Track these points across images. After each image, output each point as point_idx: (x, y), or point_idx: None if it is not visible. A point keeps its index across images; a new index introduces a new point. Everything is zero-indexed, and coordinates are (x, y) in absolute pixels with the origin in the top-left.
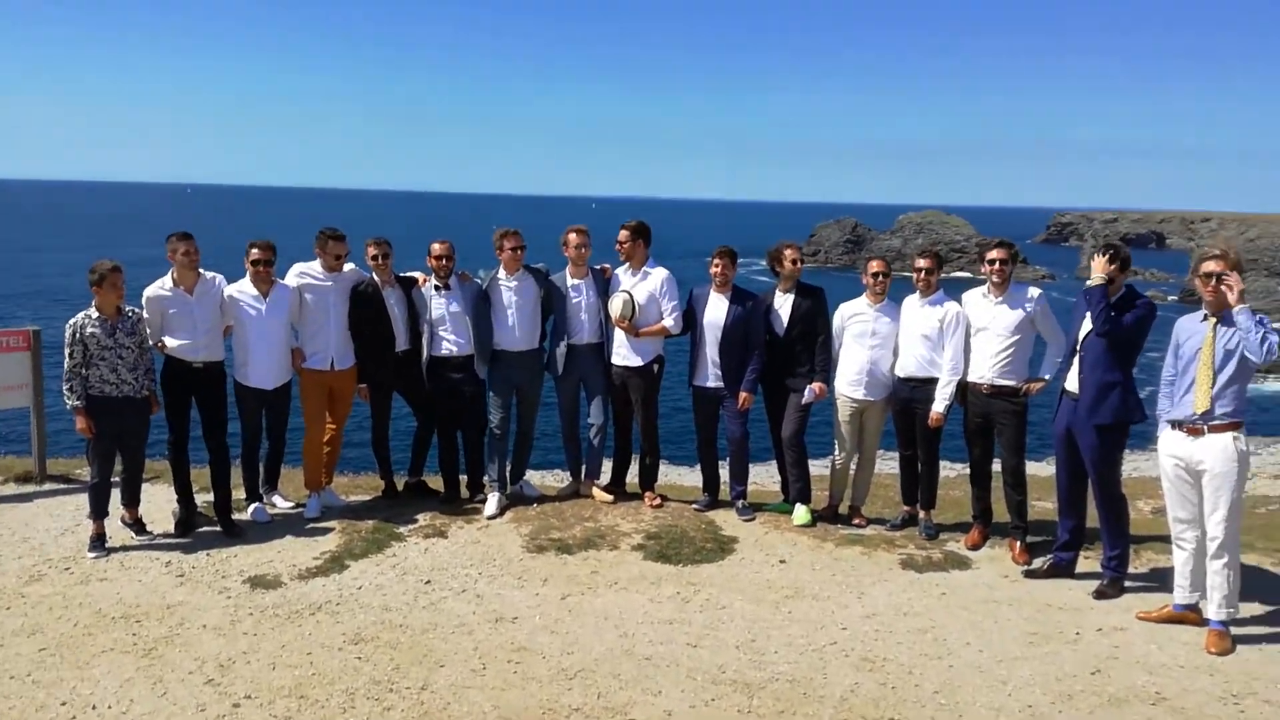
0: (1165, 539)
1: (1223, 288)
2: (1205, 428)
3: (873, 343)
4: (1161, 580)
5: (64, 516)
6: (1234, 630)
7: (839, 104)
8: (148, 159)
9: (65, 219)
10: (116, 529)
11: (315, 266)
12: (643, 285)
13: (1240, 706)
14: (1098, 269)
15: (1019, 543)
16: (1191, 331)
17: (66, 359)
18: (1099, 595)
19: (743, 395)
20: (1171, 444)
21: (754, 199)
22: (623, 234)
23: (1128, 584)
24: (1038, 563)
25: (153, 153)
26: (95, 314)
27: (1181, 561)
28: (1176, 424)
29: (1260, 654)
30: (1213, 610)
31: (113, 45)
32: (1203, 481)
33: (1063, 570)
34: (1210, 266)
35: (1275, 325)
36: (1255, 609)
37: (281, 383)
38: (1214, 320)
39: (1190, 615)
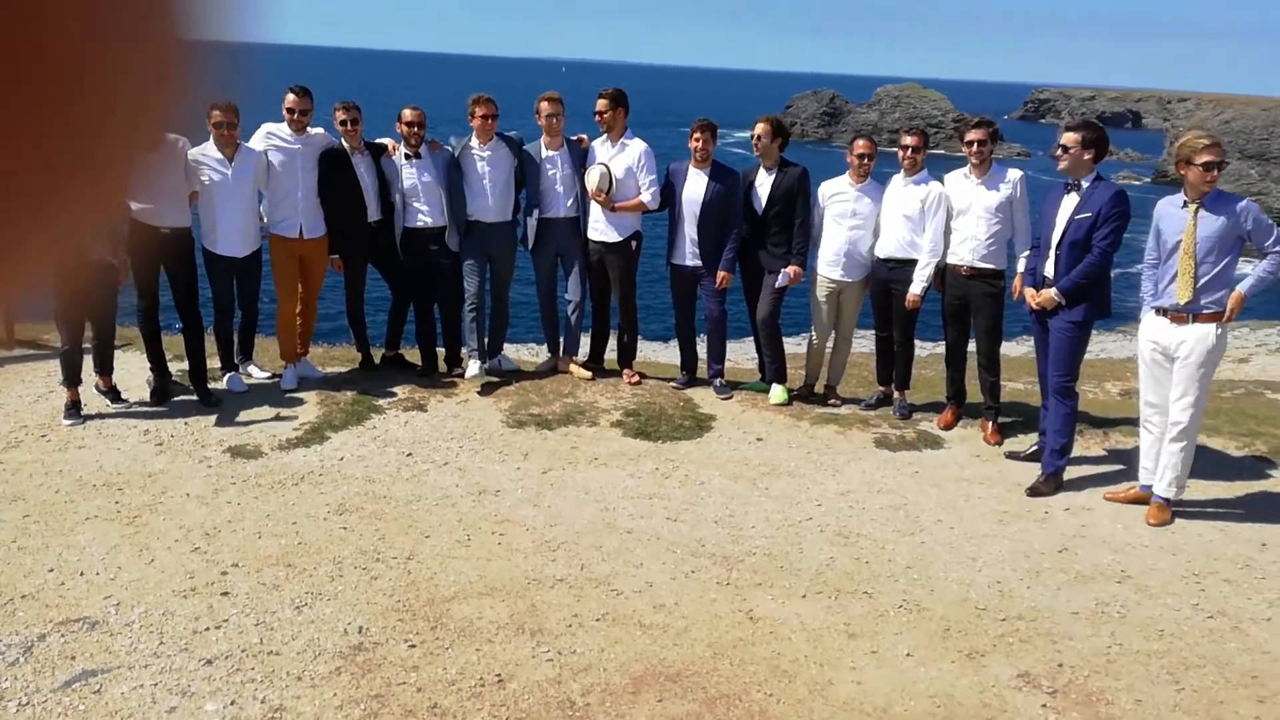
0: (1132, 421)
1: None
2: (1190, 316)
3: (853, 223)
4: (1127, 461)
5: (35, 383)
6: (1200, 513)
7: None
8: None
9: None
10: (90, 396)
11: (283, 128)
12: (620, 158)
13: (1201, 585)
14: (1034, 300)
15: (991, 423)
16: (1172, 218)
17: None
18: (1033, 492)
19: (720, 275)
20: (1153, 329)
21: (729, 66)
22: (601, 103)
23: (1089, 463)
24: (1023, 447)
25: None
26: None
27: (1148, 444)
28: (1161, 310)
29: (1222, 534)
30: (1161, 486)
31: None
32: (1175, 365)
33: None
34: (1208, 157)
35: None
36: (1219, 491)
37: (251, 250)
38: (1194, 207)
39: (1131, 493)
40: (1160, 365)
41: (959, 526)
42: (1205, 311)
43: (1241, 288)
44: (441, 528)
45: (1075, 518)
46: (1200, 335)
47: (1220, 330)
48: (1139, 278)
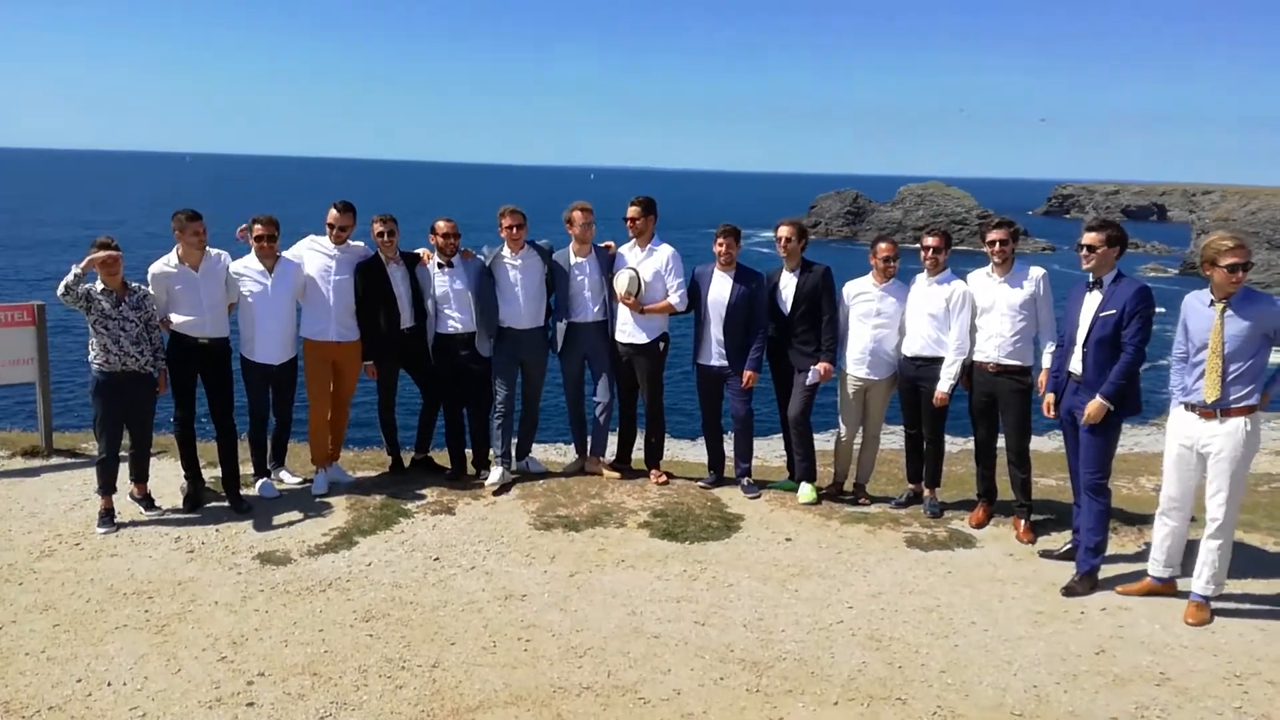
0: None
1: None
2: (1219, 412)
3: (877, 322)
4: None
5: (72, 491)
6: (1239, 610)
7: (841, 75)
8: (145, 128)
9: (65, 189)
10: (125, 504)
11: (325, 240)
12: (648, 262)
13: (1244, 687)
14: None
15: (1023, 521)
16: (1200, 315)
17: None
18: (1068, 592)
19: (747, 374)
20: (1182, 424)
21: (754, 170)
22: (633, 210)
23: (1125, 560)
24: (1056, 545)
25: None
26: (101, 286)
27: (1162, 536)
28: (1189, 406)
29: (1263, 634)
30: (1199, 585)
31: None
32: (1209, 462)
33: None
34: (1233, 259)
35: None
36: (1258, 588)
37: (287, 358)
38: (1221, 306)
39: (1166, 588)
40: (1186, 460)
41: (993, 628)
42: (1234, 407)
43: (1270, 390)
44: (467, 634)
45: (1112, 617)
46: (1230, 430)
47: (1250, 425)
48: (1169, 370)
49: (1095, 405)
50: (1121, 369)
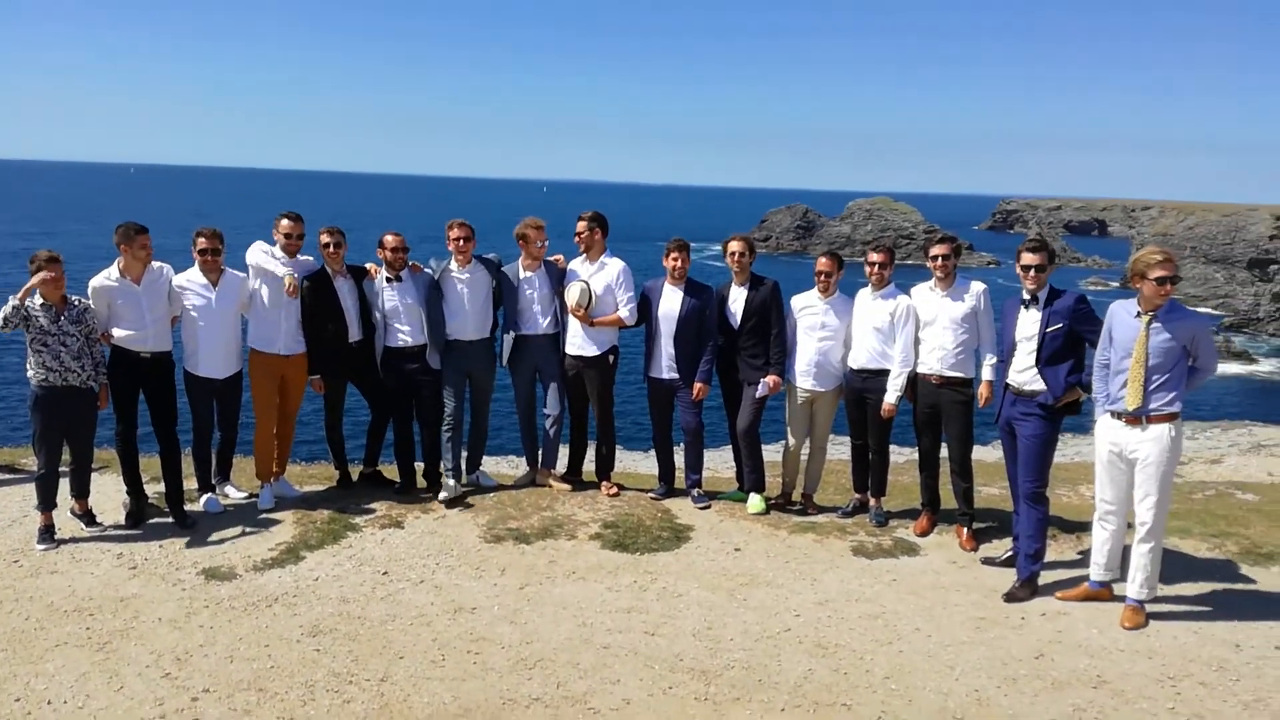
0: None
1: None
2: (1143, 419)
3: (822, 334)
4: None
5: (10, 508)
6: (1173, 613)
7: (791, 90)
8: (88, 138)
9: (3, 200)
10: (65, 520)
11: (275, 249)
12: (599, 275)
13: (1177, 688)
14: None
15: (966, 529)
16: (1126, 325)
17: (8, 308)
18: (1009, 598)
19: (697, 386)
20: (1108, 430)
21: (706, 184)
22: (580, 224)
23: (1057, 565)
24: (998, 552)
25: (93, 131)
26: (40, 301)
27: (1100, 541)
28: (1115, 414)
29: (1196, 637)
30: (1134, 589)
31: (46, 17)
32: (1136, 469)
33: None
34: (1161, 272)
35: (1205, 310)
36: (1190, 592)
37: (232, 372)
38: (1148, 319)
39: (1103, 593)
40: (1116, 465)
41: (936, 634)
42: (1157, 414)
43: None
44: (416, 648)
45: (1051, 623)
46: (1155, 436)
47: (1174, 432)
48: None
49: (1076, 393)
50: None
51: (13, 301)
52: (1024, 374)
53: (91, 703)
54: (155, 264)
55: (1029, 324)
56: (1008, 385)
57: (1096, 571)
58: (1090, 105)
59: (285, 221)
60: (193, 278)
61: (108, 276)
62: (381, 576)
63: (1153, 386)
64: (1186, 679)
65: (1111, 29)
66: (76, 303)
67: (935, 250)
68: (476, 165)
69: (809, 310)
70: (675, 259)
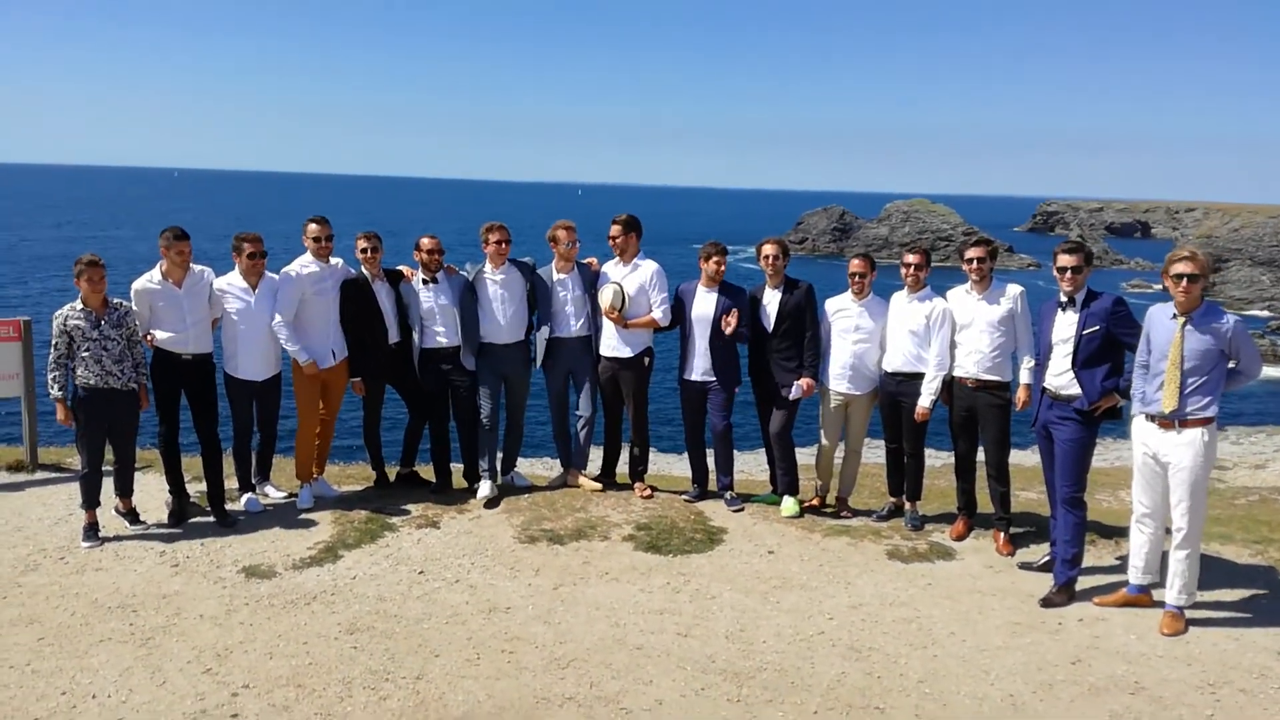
0: None
1: None
2: (1176, 423)
3: (857, 338)
4: None
5: (56, 506)
6: (1213, 620)
7: (828, 92)
8: (133, 143)
9: (50, 205)
10: (109, 518)
11: (308, 260)
12: (633, 277)
13: (1216, 695)
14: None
15: (1002, 534)
16: (1163, 327)
17: (51, 350)
18: (1045, 603)
19: (729, 316)
20: (1143, 433)
21: (741, 186)
22: (614, 228)
23: (1104, 570)
24: (1035, 557)
25: (138, 137)
26: (80, 306)
27: (1139, 545)
28: (1149, 416)
29: (1236, 644)
30: (1172, 595)
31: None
32: (1169, 473)
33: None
34: (1180, 268)
35: (1252, 313)
36: (1231, 598)
37: (271, 374)
38: (1182, 320)
39: (1143, 598)
40: (1152, 469)
41: (971, 639)
42: (1191, 419)
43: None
44: (451, 646)
45: (1088, 628)
46: (1189, 441)
47: (1207, 436)
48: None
49: (1112, 400)
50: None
51: (54, 393)
52: (1060, 377)
53: (134, 697)
54: (196, 267)
55: (1065, 326)
56: (1044, 389)
57: (1135, 575)
58: (1134, 105)
59: (313, 225)
60: (233, 281)
61: (150, 279)
62: (418, 576)
63: (1188, 390)
64: (1226, 686)
65: (1155, 25)
66: (118, 305)
67: (970, 253)
68: (512, 169)
69: (843, 313)
70: (716, 262)
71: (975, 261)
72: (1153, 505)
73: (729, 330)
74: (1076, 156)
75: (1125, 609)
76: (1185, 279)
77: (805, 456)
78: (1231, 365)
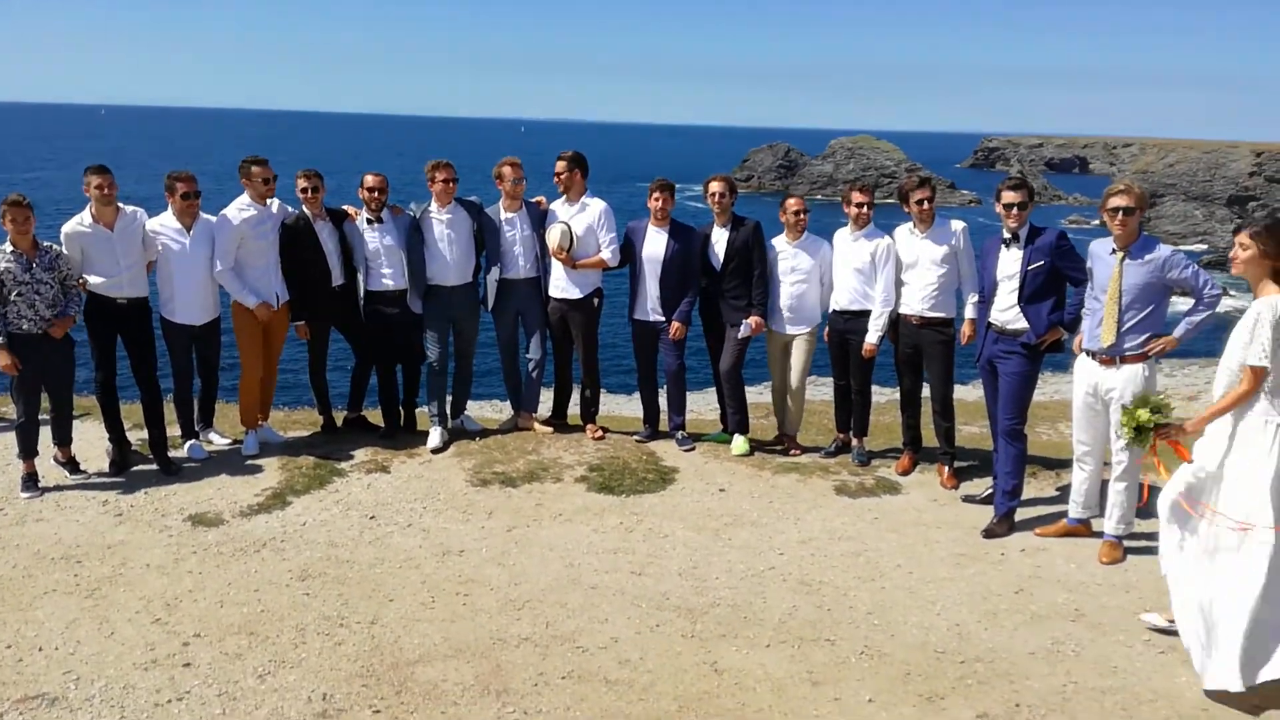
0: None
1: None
2: (1117, 358)
3: (794, 278)
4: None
5: None
6: (1150, 549)
7: (770, 28)
8: (56, 78)
9: None
10: (48, 468)
11: (245, 202)
12: (580, 216)
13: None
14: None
15: (947, 468)
16: (1103, 261)
17: None
18: (988, 534)
19: (674, 325)
20: (1084, 370)
21: (688, 122)
22: (560, 165)
23: (1034, 502)
24: (978, 490)
25: (62, 71)
26: (10, 248)
27: (1079, 481)
28: (1090, 353)
29: None
30: (1110, 525)
31: None
32: (1110, 408)
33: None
34: (1116, 201)
35: (1186, 248)
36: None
37: (209, 318)
38: (1121, 255)
39: (1081, 529)
40: (1092, 407)
41: (918, 571)
42: (1131, 354)
43: (1175, 333)
44: (405, 590)
45: (1030, 558)
46: (1129, 376)
47: (1148, 371)
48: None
49: (1055, 334)
50: (1076, 305)
51: None
52: (1006, 313)
53: (82, 649)
54: (128, 208)
55: (1010, 263)
56: (990, 324)
57: (1074, 509)
58: (1072, 41)
59: (256, 168)
60: (166, 222)
61: (79, 222)
62: (369, 521)
63: (1126, 326)
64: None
65: None
66: (48, 248)
67: (917, 195)
68: (452, 104)
69: (780, 255)
70: (659, 199)
71: (925, 203)
72: (1092, 443)
73: (752, 334)
74: (1017, 91)
75: (1065, 539)
76: (1121, 212)
77: (754, 395)
78: (1183, 297)
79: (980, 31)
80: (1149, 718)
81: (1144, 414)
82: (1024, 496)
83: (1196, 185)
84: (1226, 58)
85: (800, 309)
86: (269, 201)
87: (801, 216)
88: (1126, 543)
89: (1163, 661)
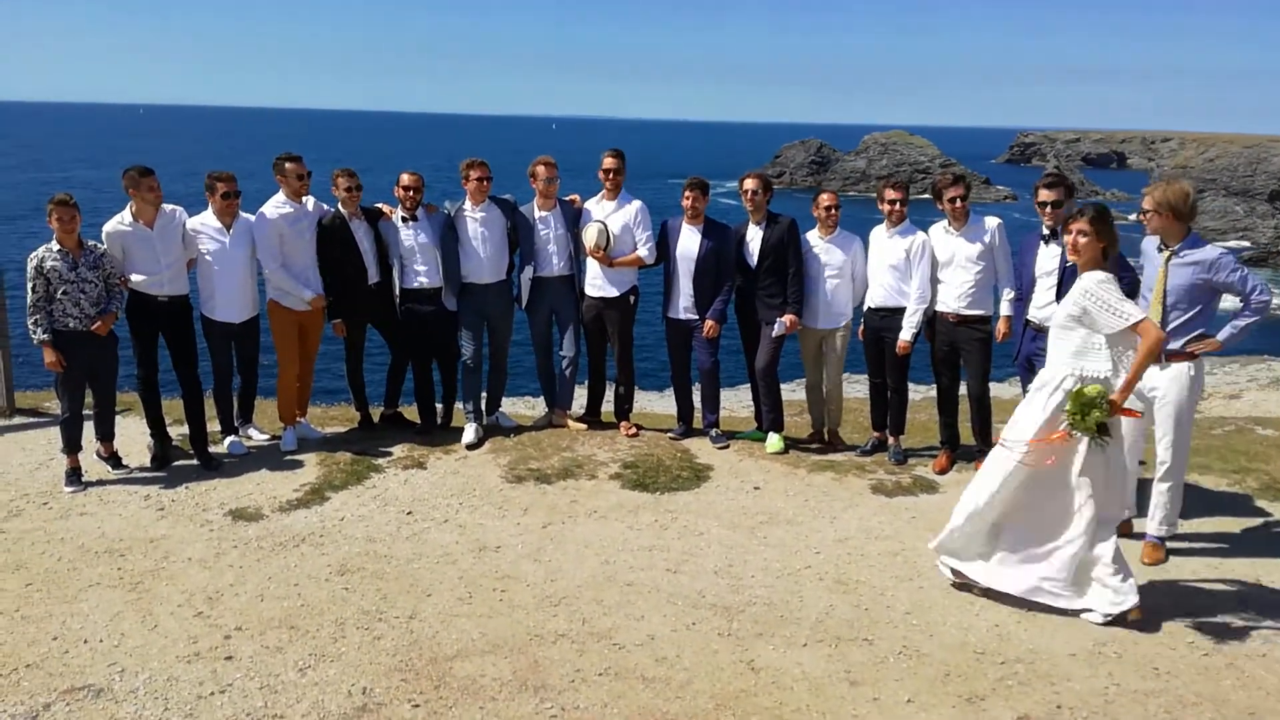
0: None
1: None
2: (1162, 356)
3: (827, 273)
4: None
5: (36, 451)
6: (1192, 550)
7: (804, 24)
8: (96, 78)
9: (13, 144)
10: (91, 463)
11: (281, 200)
12: (617, 215)
13: (1196, 622)
14: None
15: None
16: (1152, 260)
17: (29, 293)
18: None
19: (708, 324)
20: None
21: (718, 119)
22: (611, 161)
23: None
24: None
25: (102, 72)
26: (56, 247)
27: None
28: None
29: (1216, 571)
30: (1153, 526)
31: None
32: (1155, 407)
33: None
34: (1144, 204)
35: (1227, 244)
36: (1211, 528)
37: (249, 316)
38: (1167, 255)
39: (1122, 528)
40: (1134, 404)
41: None
42: (1177, 353)
43: (1220, 336)
44: (443, 586)
45: None
46: (1174, 376)
47: (1193, 371)
48: None
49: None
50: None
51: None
52: (1045, 309)
53: (127, 641)
54: (168, 207)
55: (1049, 259)
56: (1028, 321)
57: None
58: (1110, 35)
59: (291, 165)
60: (206, 221)
61: (120, 221)
62: (406, 516)
63: (1171, 325)
64: (1206, 614)
65: None
66: (93, 247)
67: (951, 193)
68: (484, 102)
69: (812, 250)
70: (690, 198)
71: (958, 201)
72: (1130, 442)
73: (787, 331)
74: (1053, 87)
75: None
76: (1148, 212)
77: (789, 392)
78: (1235, 300)
79: (1016, 25)
80: None
81: (1091, 389)
82: None
83: (1238, 180)
84: (1269, 51)
85: (833, 304)
86: (304, 199)
87: (834, 212)
88: (1170, 544)
89: (1206, 664)
